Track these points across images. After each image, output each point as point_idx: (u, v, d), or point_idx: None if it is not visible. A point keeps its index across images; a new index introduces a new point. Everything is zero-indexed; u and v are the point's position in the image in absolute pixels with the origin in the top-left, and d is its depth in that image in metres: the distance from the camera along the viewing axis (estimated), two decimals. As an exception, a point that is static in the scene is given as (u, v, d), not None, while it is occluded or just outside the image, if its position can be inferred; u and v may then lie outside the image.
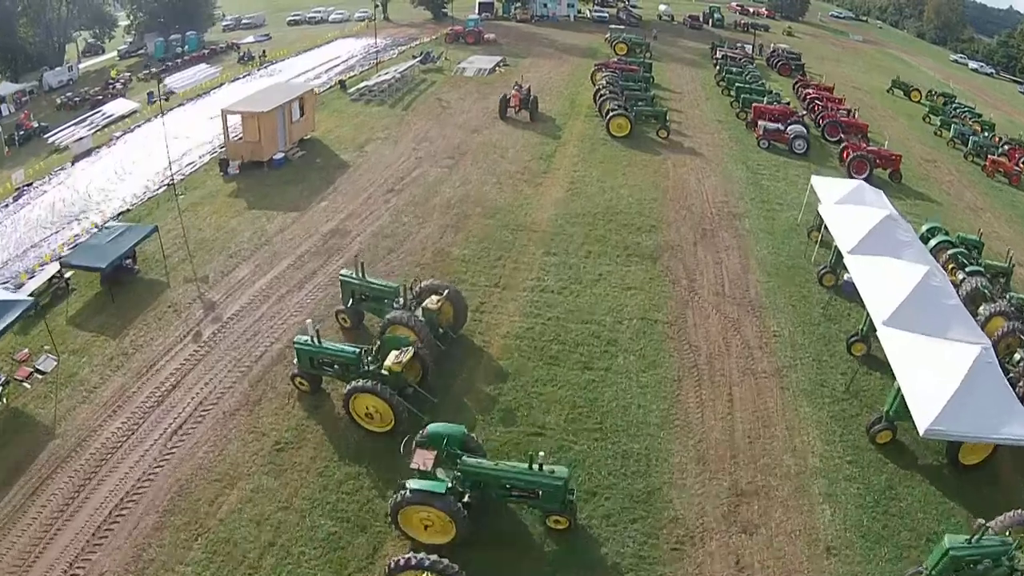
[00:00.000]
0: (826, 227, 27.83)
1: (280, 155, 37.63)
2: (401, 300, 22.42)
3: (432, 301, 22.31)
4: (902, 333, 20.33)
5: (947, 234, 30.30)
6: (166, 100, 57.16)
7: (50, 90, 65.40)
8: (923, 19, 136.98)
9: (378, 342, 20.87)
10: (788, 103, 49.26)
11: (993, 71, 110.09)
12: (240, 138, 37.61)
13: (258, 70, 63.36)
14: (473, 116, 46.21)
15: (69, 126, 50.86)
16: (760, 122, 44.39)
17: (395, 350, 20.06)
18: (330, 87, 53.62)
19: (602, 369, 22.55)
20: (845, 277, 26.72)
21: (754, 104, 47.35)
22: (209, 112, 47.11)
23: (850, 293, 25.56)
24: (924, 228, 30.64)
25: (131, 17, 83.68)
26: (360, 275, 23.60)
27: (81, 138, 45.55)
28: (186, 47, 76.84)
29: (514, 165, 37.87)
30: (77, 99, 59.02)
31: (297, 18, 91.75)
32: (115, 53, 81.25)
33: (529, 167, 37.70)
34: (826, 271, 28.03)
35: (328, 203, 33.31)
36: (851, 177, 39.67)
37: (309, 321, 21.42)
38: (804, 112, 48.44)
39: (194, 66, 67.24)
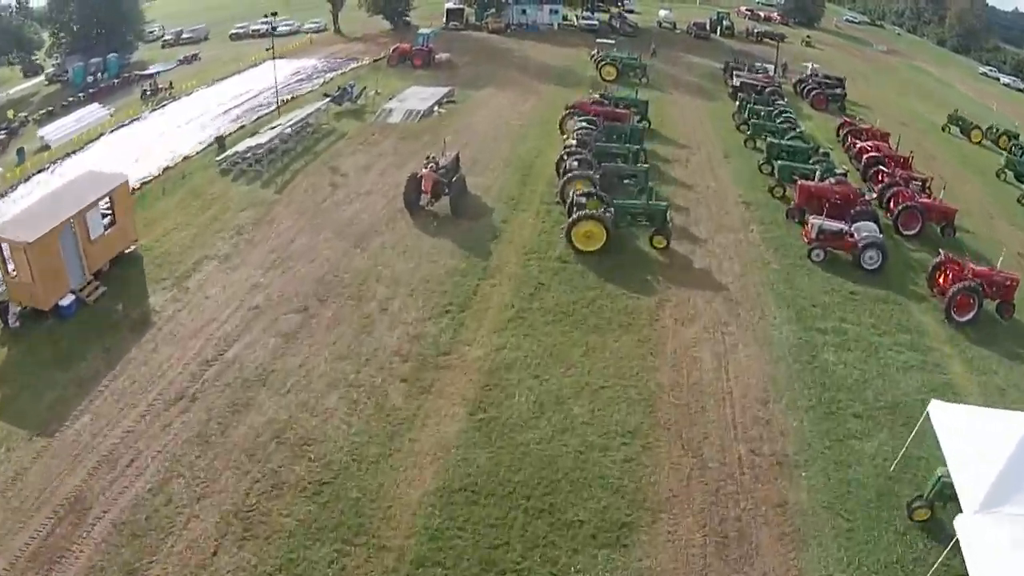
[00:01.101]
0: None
1: (69, 299, 21.33)
2: None
3: None
4: None
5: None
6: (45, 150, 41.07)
7: (-46, 133, 48.81)
8: (944, 26, 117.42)
9: None
10: (845, 172, 31.92)
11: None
12: (16, 275, 21.13)
13: (151, 111, 46.34)
14: (369, 205, 28.96)
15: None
16: (812, 220, 26.98)
17: None
18: (207, 146, 36.52)
19: None
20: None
21: (800, 182, 29.97)
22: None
23: None
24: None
25: (53, 37, 66.68)
26: None
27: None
28: (105, 73, 59.92)
29: (395, 332, 20.68)
30: (-47, 158, 42.25)
31: (241, 31, 73.97)
32: (43, 77, 64.55)
33: (419, 339, 20.49)
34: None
35: (91, 419, 17.21)
36: (950, 315, 23.44)
37: None
38: (872, 194, 30.98)
39: (86, 106, 49.80)
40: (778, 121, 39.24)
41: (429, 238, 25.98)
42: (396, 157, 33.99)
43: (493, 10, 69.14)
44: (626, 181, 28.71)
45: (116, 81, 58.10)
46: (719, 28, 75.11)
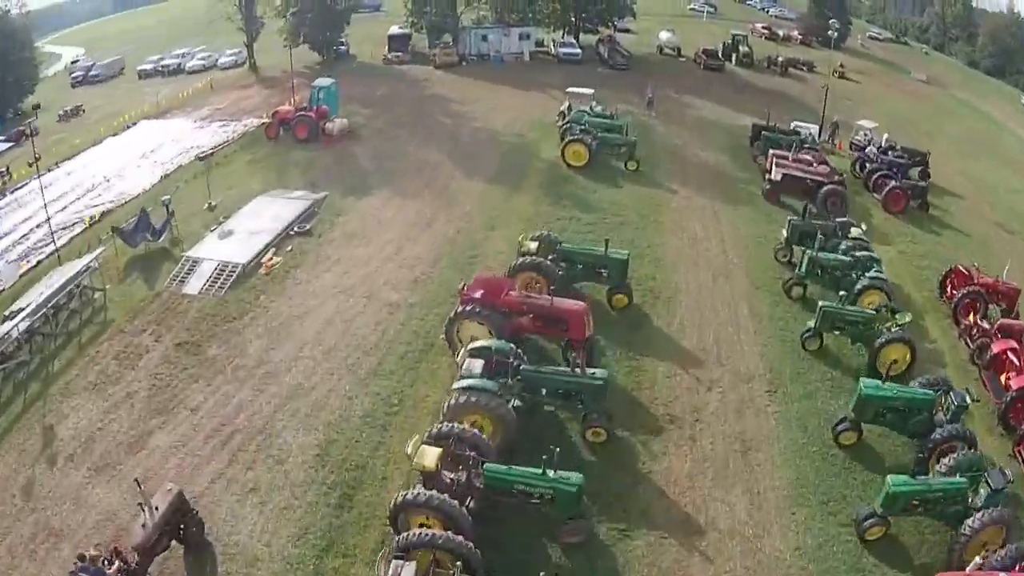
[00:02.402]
0: None
1: None
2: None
3: None
4: None
5: None
6: None
7: None
8: (976, 45, 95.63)
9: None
10: (1009, 481, 13.35)
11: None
12: None
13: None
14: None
15: None
16: None
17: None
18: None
19: None
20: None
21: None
22: None
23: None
24: None
25: None
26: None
27: None
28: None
29: None
30: None
31: (150, 67, 53.61)
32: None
33: None
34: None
35: None
36: None
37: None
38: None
39: None
40: (857, 289, 20.19)
41: None
42: (144, 410, 15.78)
43: (448, 37, 49.41)
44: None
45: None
46: (735, 55, 54.80)
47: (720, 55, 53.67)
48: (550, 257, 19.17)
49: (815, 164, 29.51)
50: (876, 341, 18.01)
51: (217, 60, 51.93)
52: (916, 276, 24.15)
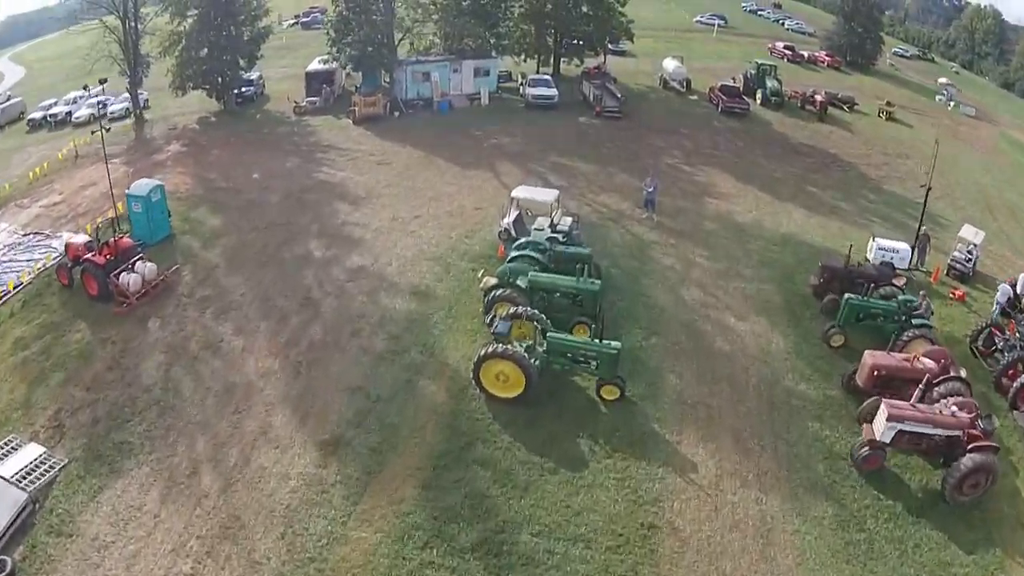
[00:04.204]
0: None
1: None
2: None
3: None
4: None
5: None
6: None
7: None
8: (1009, 65, 79.51)
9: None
10: None
11: None
12: None
13: None
14: None
15: None
16: None
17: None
18: None
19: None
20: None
21: None
22: None
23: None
24: None
25: None
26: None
27: None
28: None
29: None
30: None
31: (40, 115, 38.79)
32: None
33: None
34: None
35: None
36: None
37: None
38: None
39: None
40: None
41: None
42: None
43: (386, 79, 34.25)
44: None
45: None
46: (761, 94, 38.51)
47: (741, 94, 38.43)
48: None
49: (943, 379, 14.57)
50: None
51: (110, 105, 37.30)
52: None
